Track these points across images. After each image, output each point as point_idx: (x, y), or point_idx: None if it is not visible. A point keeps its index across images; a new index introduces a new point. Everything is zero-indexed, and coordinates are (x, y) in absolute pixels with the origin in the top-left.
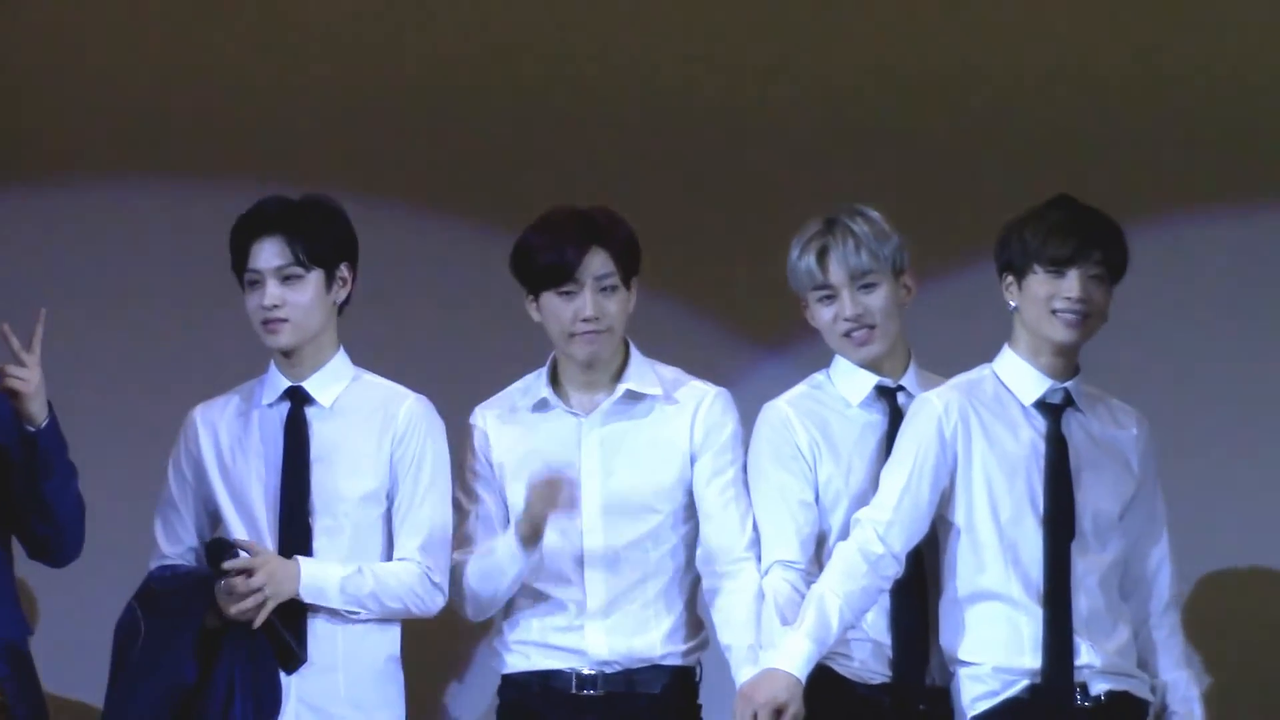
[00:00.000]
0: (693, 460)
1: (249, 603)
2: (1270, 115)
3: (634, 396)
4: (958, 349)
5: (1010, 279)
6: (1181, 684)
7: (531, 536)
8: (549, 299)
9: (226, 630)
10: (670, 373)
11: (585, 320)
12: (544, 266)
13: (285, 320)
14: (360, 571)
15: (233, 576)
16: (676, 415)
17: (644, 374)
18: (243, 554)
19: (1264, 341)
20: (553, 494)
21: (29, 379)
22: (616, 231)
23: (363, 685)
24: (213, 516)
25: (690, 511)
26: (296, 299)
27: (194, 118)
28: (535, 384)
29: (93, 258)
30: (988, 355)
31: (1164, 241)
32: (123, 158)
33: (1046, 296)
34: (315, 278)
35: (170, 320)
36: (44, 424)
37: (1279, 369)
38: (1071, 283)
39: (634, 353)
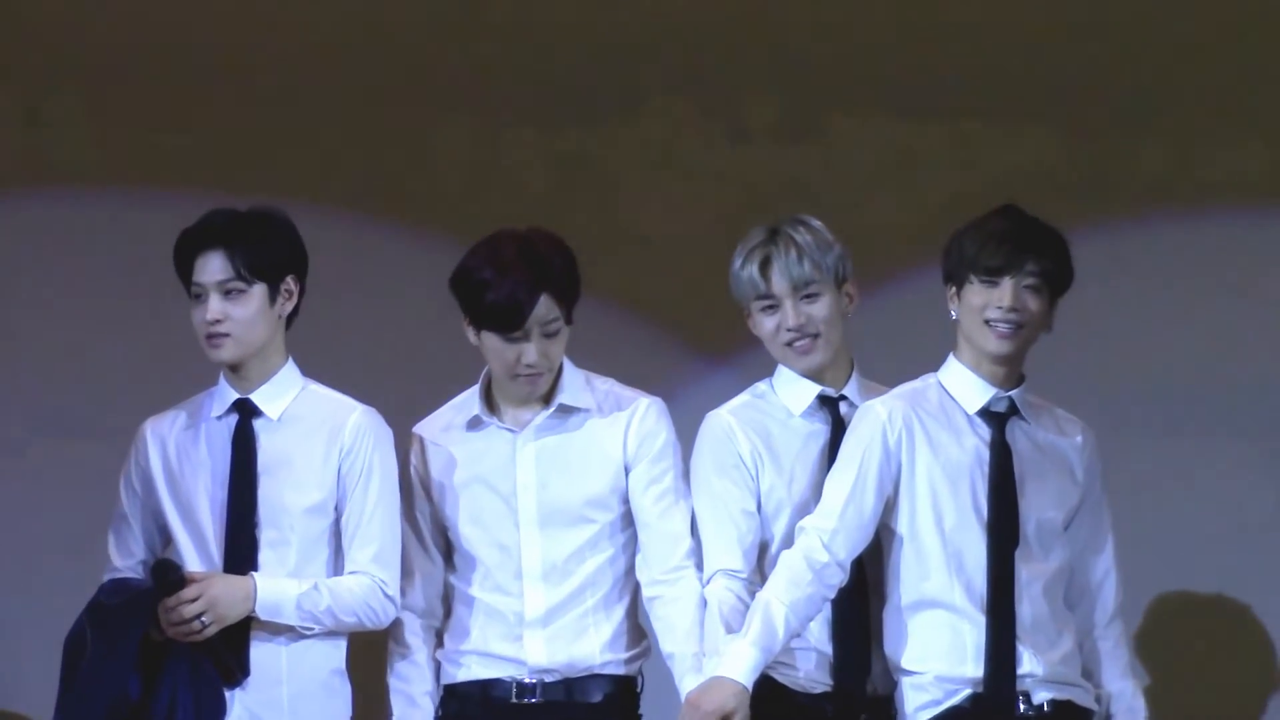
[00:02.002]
0: (627, 470)
1: (184, 628)
2: (1210, 120)
3: (567, 410)
4: (902, 358)
5: (952, 289)
6: (1126, 694)
7: None
8: (491, 338)
9: (170, 645)
10: (604, 384)
11: (529, 365)
12: (490, 310)
13: (227, 335)
14: (316, 588)
15: (172, 599)
16: (610, 426)
17: (577, 388)
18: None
19: (1207, 350)
20: None
21: None
22: (561, 270)
23: (306, 698)
24: (163, 530)
25: (628, 520)
26: (238, 313)
27: (153, 127)
28: (469, 401)
29: (48, 266)
30: (932, 365)
31: (1103, 248)
32: (80, 167)
33: (980, 306)
34: (258, 291)
35: (126, 329)
36: None
37: (1221, 378)
38: (1004, 292)
39: (567, 366)
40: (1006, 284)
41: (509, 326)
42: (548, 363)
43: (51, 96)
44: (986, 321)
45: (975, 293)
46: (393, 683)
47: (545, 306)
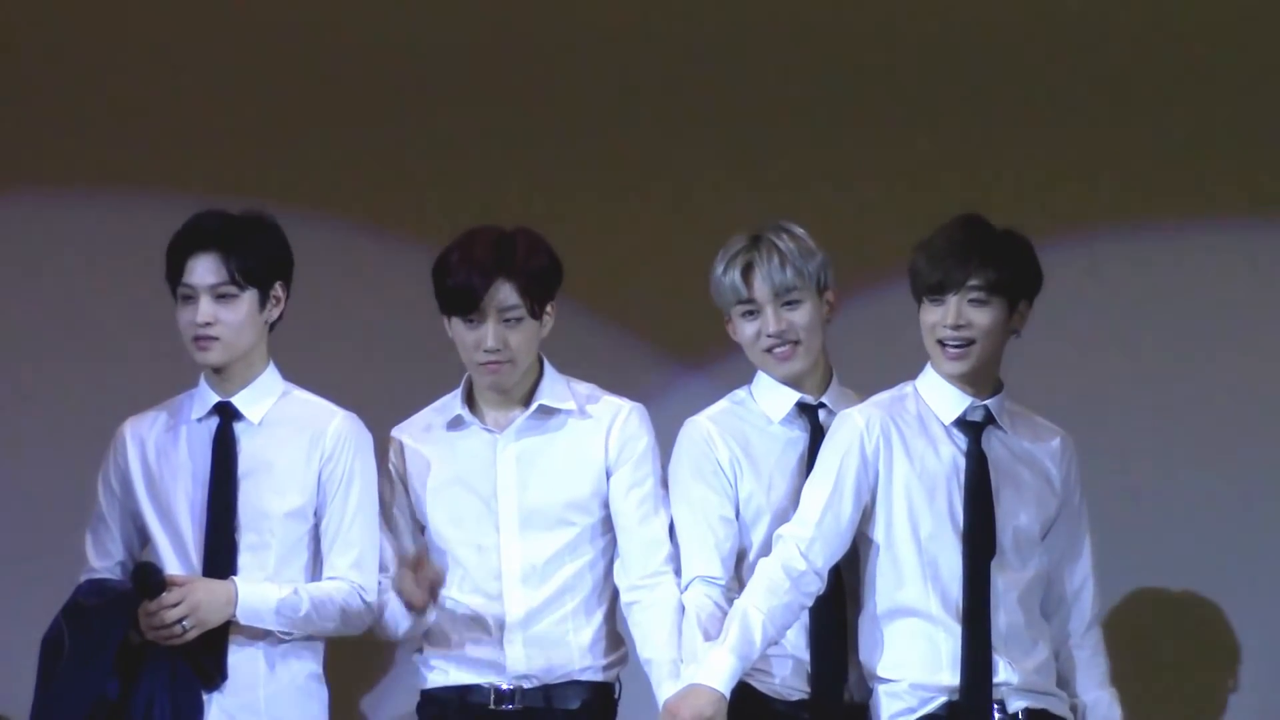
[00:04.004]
0: (608, 474)
1: (165, 632)
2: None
3: (547, 411)
4: (882, 366)
5: (919, 305)
6: (1103, 704)
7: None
8: (456, 323)
9: (148, 647)
10: (585, 388)
11: (487, 351)
12: (450, 292)
13: (216, 339)
14: (296, 593)
15: (154, 604)
16: (592, 429)
17: (558, 389)
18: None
19: (1184, 356)
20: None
21: None
22: (530, 261)
23: (283, 702)
24: (141, 531)
25: (608, 525)
26: (229, 318)
27: (134, 130)
28: (450, 402)
29: (33, 268)
30: (911, 373)
31: (1082, 259)
32: (66, 169)
33: (931, 325)
34: (249, 296)
35: (108, 331)
36: None
37: (1198, 384)
38: (948, 310)
39: (548, 369)
40: (950, 301)
41: (465, 308)
42: (509, 352)
43: (45, 97)
44: (939, 341)
45: (926, 311)
46: (384, 618)
47: (505, 293)
